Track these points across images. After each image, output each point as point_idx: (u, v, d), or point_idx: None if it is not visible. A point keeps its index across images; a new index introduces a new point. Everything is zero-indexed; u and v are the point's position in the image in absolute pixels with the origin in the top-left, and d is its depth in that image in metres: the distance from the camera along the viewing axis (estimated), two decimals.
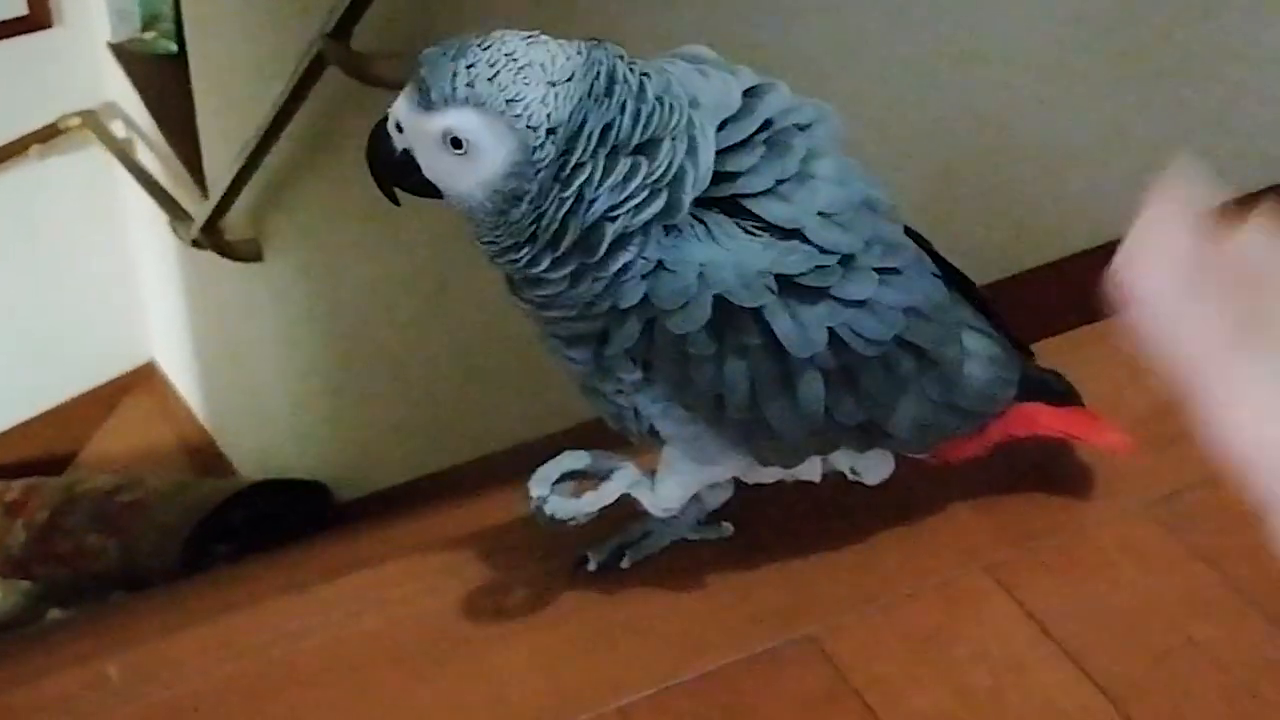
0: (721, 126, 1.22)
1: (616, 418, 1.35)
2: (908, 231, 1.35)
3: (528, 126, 1.14)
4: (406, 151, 1.21)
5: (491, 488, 2.68)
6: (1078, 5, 2.03)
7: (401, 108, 1.18)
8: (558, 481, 1.37)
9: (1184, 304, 0.80)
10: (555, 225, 1.18)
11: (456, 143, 1.16)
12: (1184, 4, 1.93)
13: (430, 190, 1.23)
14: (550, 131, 1.14)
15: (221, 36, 4.75)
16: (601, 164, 1.16)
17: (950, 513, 1.50)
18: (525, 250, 1.20)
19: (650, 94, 1.18)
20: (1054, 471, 1.52)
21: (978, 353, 1.38)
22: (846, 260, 1.23)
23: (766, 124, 1.24)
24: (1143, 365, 1.63)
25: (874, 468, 1.42)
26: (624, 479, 1.37)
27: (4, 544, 5.32)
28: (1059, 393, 1.47)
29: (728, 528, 1.51)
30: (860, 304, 1.24)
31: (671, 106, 1.19)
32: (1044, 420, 1.47)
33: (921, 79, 2.23)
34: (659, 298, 1.20)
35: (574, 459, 1.37)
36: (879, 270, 1.25)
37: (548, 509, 1.35)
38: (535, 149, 1.15)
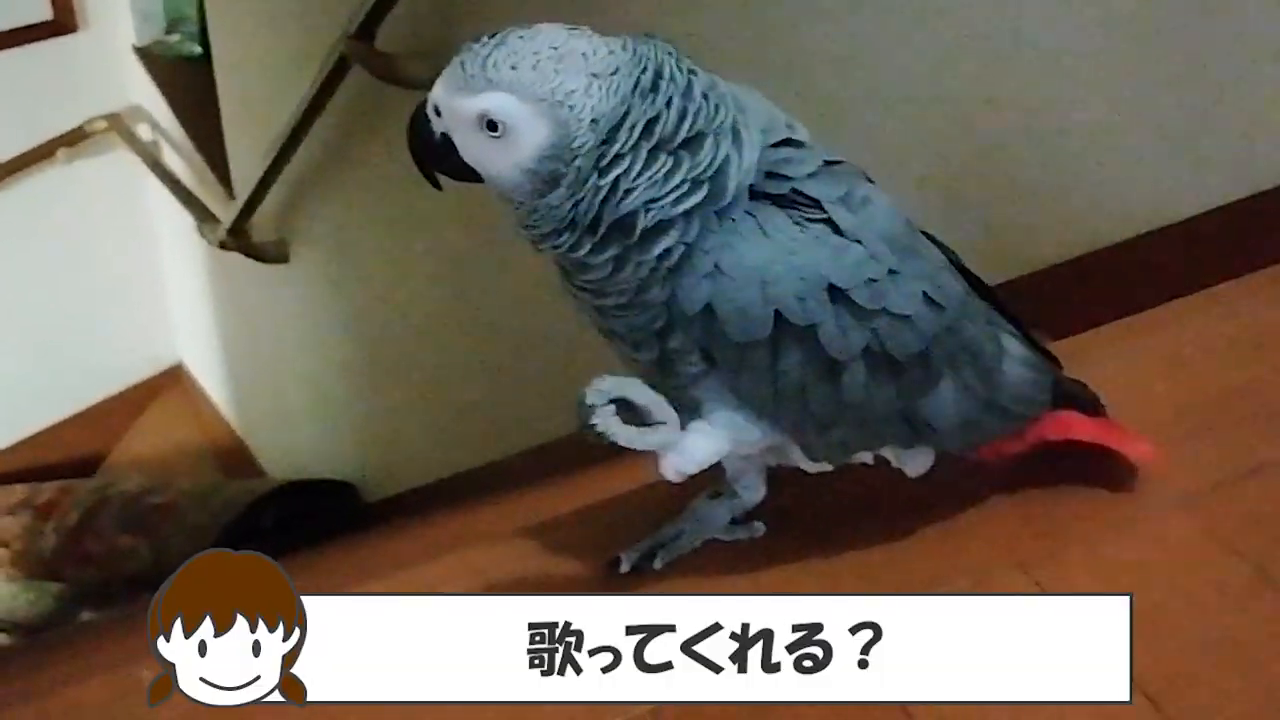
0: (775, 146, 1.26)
1: (675, 405, 1.35)
2: (931, 240, 1.37)
3: (567, 113, 1.17)
4: (445, 135, 1.24)
5: (520, 487, 2.68)
6: (1107, 8, 2.02)
7: (440, 91, 1.21)
8: (611, 401, 1.35)
9: None
10: (592, 212, 1.20)
11: (492, 125, 1.18)
12: (1211, 4, 1.92)
13: (469, 173, 1.25)
14: (593, 122, 1.17)
15: (246, 38, 4.76)
16: (643, 157, 1.18)
17: (983, 507, 1.50)
18: (565, 236, 1.23)
19: (697, 91, 1.20)
20: (1087, 467, 1.51)
21: (1013, 353, 1.39)
22: (893, 274, 1.25)
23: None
24: (1171, 362, 1.63)
25: (915, 460, 1.42)
26: (665, 436, 1.35)
27: (35, 546, 5.34)
28: (1086, 401, 1.47)
29: (760, 527, 1.51)
30: (904, 318, 1.26)
31: (717, 105, 1.21)
32: (1078, 428, 1.47)
33: (943, 74, 2.22)
34: (723, 312, 1.22)
35: (638, 391, 1.34)
36: (920, 282, 1.28)
37: (596, 421, 1.34)
38: (575, 136, 1.17)
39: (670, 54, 1.21)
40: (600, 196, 1.19)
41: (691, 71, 1.21)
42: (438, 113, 1.23)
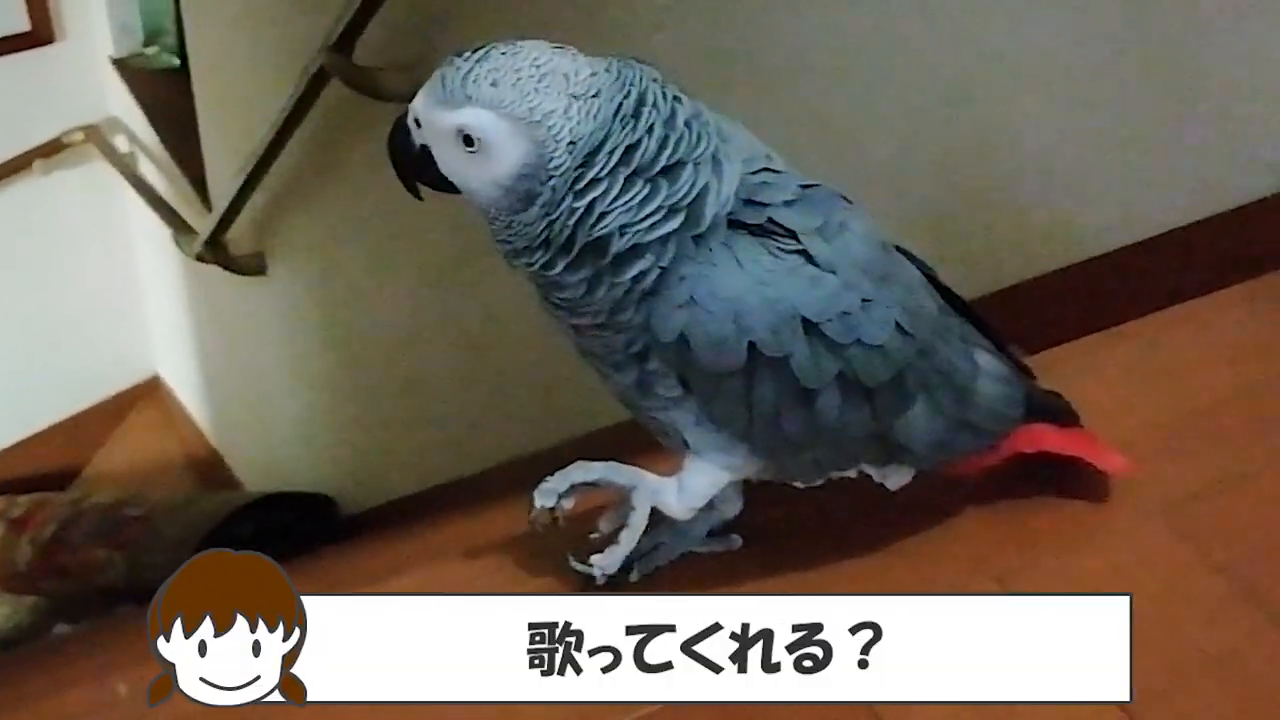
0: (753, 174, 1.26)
1: (659, 431, 1.37)
2: (908, 257, 1.37)
3: (545, 133, 1.17)
4: (424, 147, 1.24)
5: (499, 499, 2.67)
6: (1085, 22, 2.03)
7: (420, 103, 1.22)
8: (565, 494, 1.37)
9: None
10: (566, 232, 1.20)
11: (469, 140, 1.19)
12: (1190, 18, 1.93)
13: (447, 185, 1.26)
14: (570, 144, 1.17)
15: (224, 51, 4.76)
16: (620, 183, 1.18)
17: (960, 521, 1.50)
18: (539, 254, 1.23)
19: (680, 119, 1.21)
20: (1064, 479, 1.51)
21: (988, 370, 1.39)
22: (866, 303, 1.26)
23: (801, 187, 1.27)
24: (1145, 375, 1.63)
25: (894, 476, 1.42)
26: (644, 495, 1.37)
27: (10, 560, 5.32)
28: (1061, 413, 1.48)
29: (737, 540, 1.50)
30: (876, 347, 1.26)
31: (700, 134, 1.21)
32: (1050, 440, 1.48)
33: (922, 89, 2.23)
34: (697, 343, 1.23)
35: (583, 471, 1.36)
36: (892, 310, 1.28)
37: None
38: (551, 157, 1.17)
39: (655, 80, 1.21)
40: (575, 218, 1.19)
41: (676, 98, 1.21)
42: (418, 124, 1.23)
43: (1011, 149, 2.14)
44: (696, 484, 1.38)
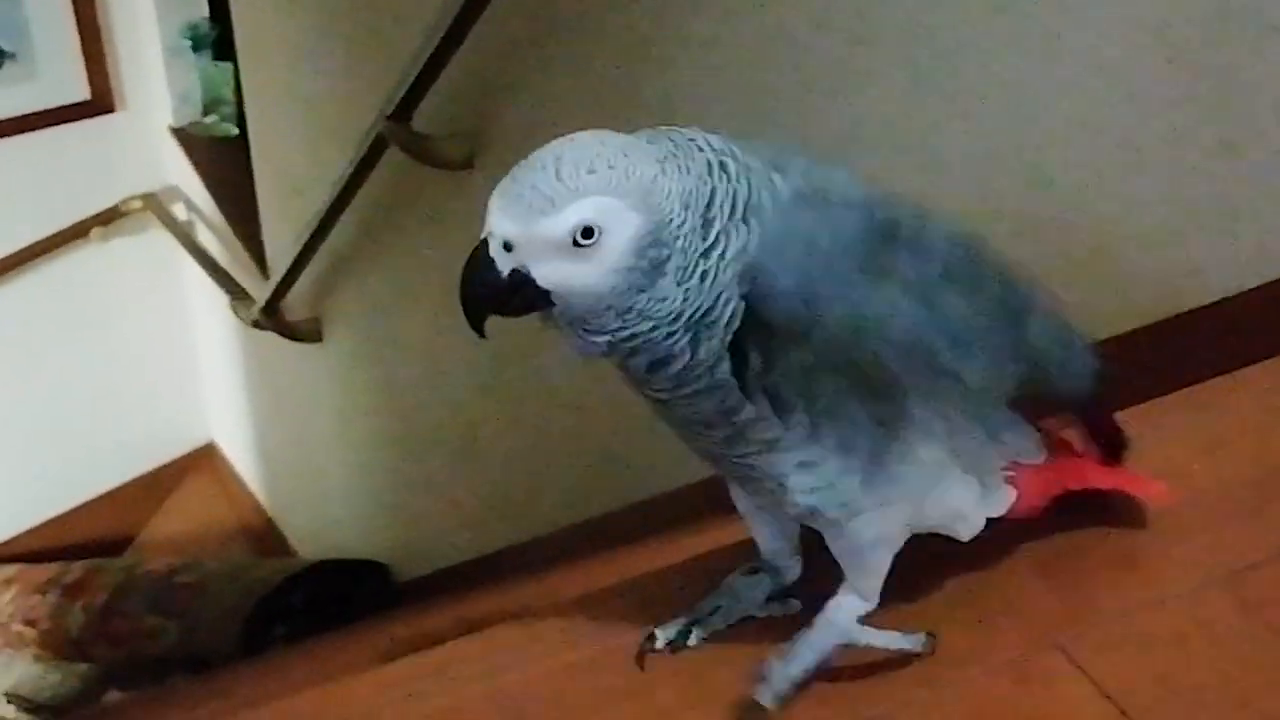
0: None
1: (771, 497, 1.33)
2: None
3: (659, 198, 1.13)
4: (516, 270, 1.16)
5: (551, 566, 2.67)
6: (1130, 80, 2.03)
7: (510, 225, 1.14)
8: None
9: None
10: (701, 296, 1.16)
11: (588, 233, 1.12)
12: (1236, 80, 1.92)
13: (539, 304, 1.19)
14: (685, 204, 1.14)
15: (282, 119, 4.80)
16: (733, 234, 1.15)
17: (1020, 588, 1.48)
18: (659, 330, 1.18)
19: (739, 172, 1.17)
20: (1125, 546, 1.50)
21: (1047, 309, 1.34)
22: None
23: None
24: (1210, 440, 1.62)
25: (969, 519, 1.40)
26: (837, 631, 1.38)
27: (63, 626, 5.34)
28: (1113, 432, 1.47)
29: (795, 604, 1.49)
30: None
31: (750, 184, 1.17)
32: (1093, 476, 1.47)
33: (984, 149, 2.22)
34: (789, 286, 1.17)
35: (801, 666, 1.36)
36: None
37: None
38: (670, 218, 1.14)
39: (692, 139, 1.18)
40: (710, 280, 1.15)
41: (739, 158, 1.18)
42: (507, 249, 1.15)
43: (1070, 213, 2.13)
44: (867, 583, 1.37)
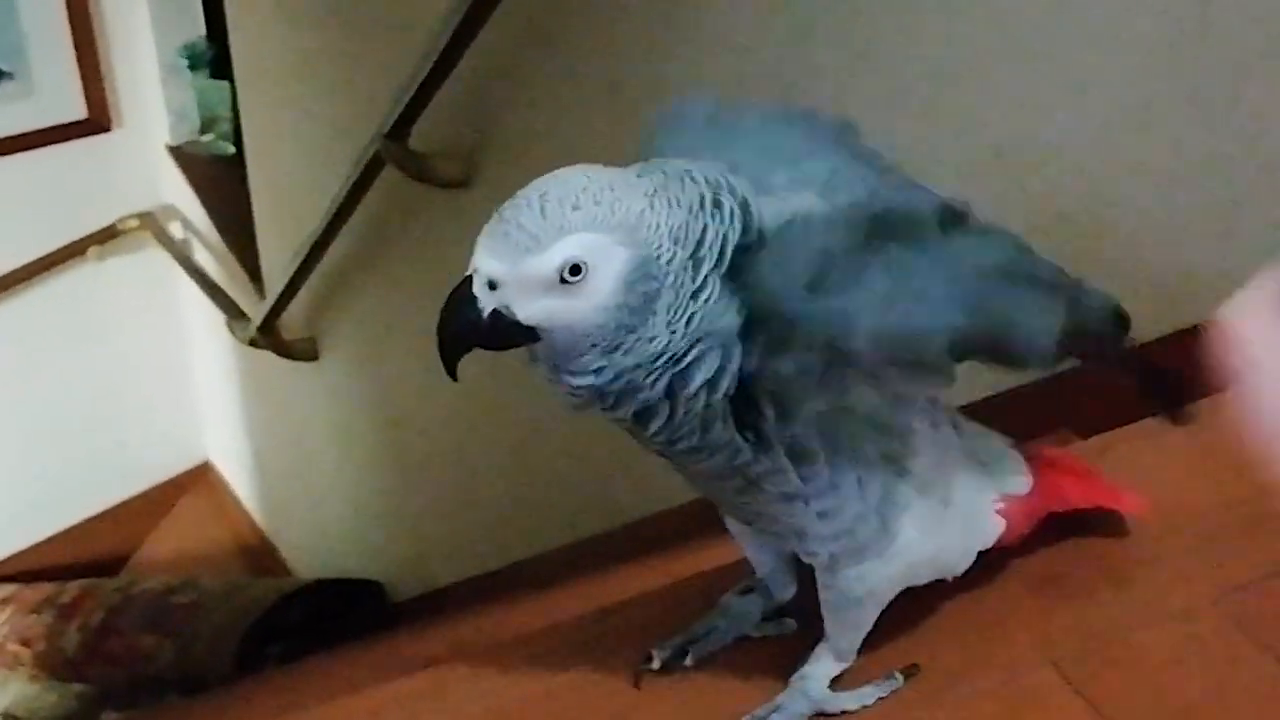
0: None
1: (781, 540, 1.35)
2: None
3: (646, 232, 1.11)
4: (496, 311, 1.14)
5: (549, 586, 2.66)
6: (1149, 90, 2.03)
7: (493, 265, 1.12)
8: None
9: None
10: (687, 332, 1.14)
11: (575, 269, 1.10)
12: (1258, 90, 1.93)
13: (521, 340, 1.18)
14: (674, 239, 1.12)
15: (279, 138, 4.80)
16: (724, 285, 1.14)
17: (1013, 606, 1.48)
18: (641, 370, 1.16)
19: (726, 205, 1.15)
20: (1118, 564, 1.50)
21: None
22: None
23: None
24: (1206, 458, 1.62)
25: (962, 563, 1.41)
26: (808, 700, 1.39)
27: (58, 647, 5.32)
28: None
29: (791, 624, 1.50)
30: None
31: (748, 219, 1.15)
32: (1073, 496, 1.49)
33: (994, 157, 2.23)
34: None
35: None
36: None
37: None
38: (659, 253, 1.12)
39: (686, 171, 1.16)
40: (695, 325, 1.13)
41: (741, 195, 1.16)
42: (491, 287, 1.13)
43: (1075, 232, 2.13)
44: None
